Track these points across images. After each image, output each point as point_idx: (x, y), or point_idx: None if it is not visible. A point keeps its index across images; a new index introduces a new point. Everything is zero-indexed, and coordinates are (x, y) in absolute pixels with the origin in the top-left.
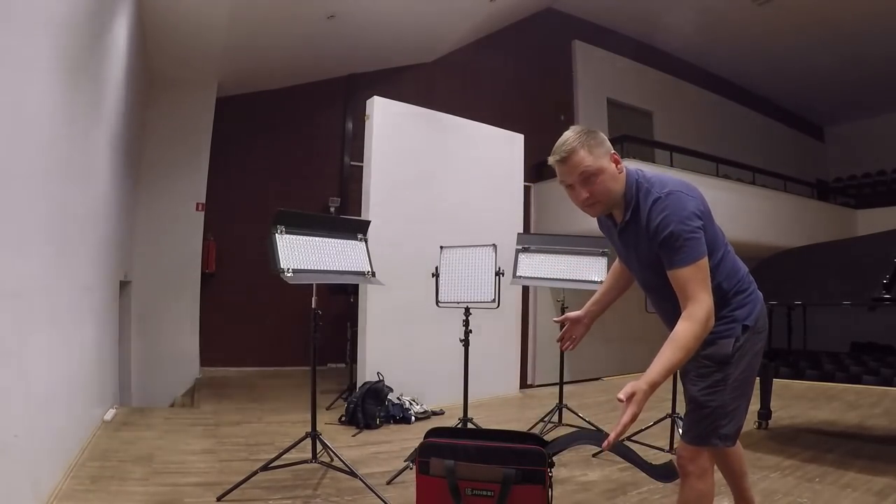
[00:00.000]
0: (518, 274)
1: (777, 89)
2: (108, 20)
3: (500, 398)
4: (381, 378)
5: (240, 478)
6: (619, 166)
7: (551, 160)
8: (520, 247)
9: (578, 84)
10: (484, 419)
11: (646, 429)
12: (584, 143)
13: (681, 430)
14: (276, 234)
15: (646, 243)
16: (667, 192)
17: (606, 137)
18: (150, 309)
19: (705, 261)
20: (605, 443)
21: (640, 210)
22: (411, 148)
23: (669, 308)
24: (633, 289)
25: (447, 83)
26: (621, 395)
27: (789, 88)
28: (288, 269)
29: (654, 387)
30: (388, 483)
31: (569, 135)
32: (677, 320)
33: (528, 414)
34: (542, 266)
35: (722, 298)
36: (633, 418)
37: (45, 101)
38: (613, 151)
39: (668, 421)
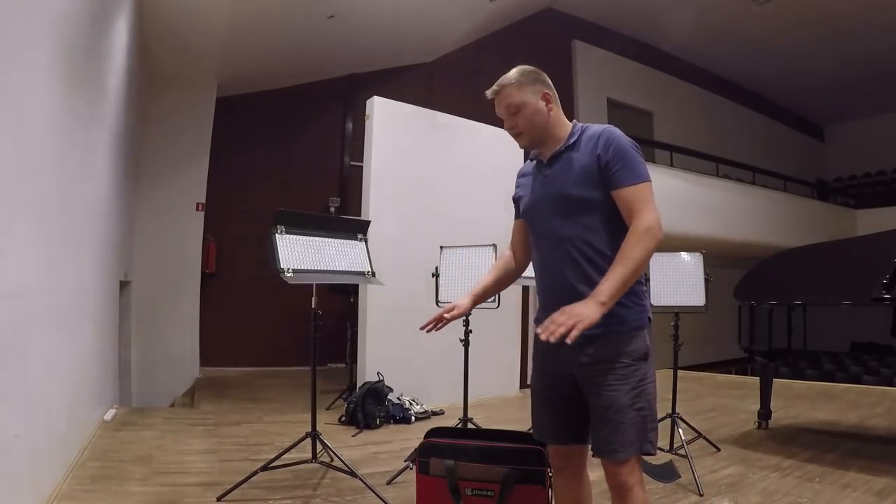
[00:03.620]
0: None
1: (777, 89)
2: (108, 20)
3: (500, 398)
4: (381, 378)
5: (240, 478)
6: (549, 105)
7: (489, 94)
8: None
9: (578, 84)
10: (484, 419)
11: None
12: (515, 81)
13: (595, 449)
14: (276, 235)
15: (581, 165)
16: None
17: (548, 80)
18: (150, 309)
19: (652, 186)
20: (544, 332)
21: (582, 139)
22: (411, 148)
23: (567, 265)
24: None
25: (447, 83)
26: (557, 316)
27: (789, 88)
28: (288, 269)
29: (603, 307)
30: (388, 483)
31: (508, 73)
32: (571, 282)
33: (528, 414)
34: None
35: None
36: (577, 321)
37: (46, 101)
38: (547, 91)
39: (668, 421)
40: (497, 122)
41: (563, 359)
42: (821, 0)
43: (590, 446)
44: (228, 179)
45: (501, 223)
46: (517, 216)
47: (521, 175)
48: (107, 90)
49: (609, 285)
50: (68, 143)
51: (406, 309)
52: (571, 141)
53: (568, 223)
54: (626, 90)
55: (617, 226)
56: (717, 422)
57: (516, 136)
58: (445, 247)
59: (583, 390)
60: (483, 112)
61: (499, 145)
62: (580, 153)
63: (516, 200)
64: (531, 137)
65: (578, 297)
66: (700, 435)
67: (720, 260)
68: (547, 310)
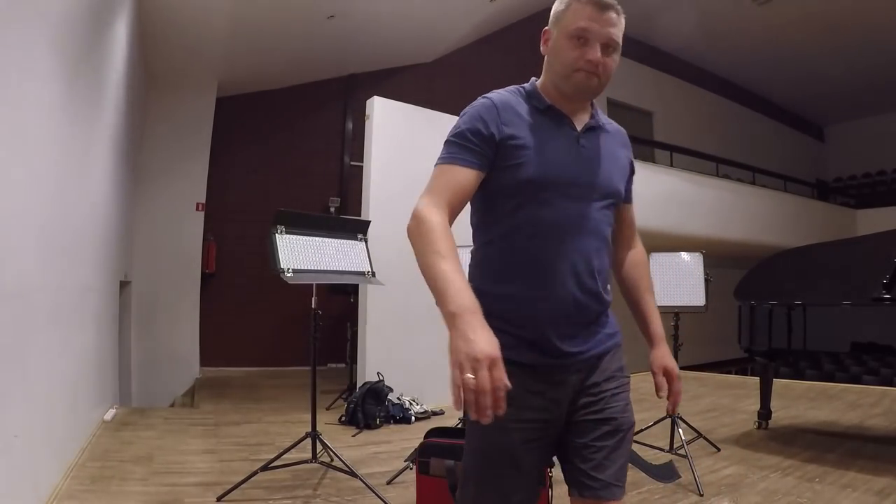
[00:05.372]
0: None
1: (777, 89)
2: (108, 20)
3: None
4: (381, 378)
5: (240, 478)
6: None
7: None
8: None
9: None
10: None
11: (646, 429)
12: (622, 14)
13: (599, 489)
14: (276, 235)
15: (621, 158)
16: None
17: None
18: (150, 309)
19: None
20: (671, 410)
21: (607, 125)
22: (411, 148)
23: (595, 264)
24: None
25: (447, 83)
26: (662, 381)
27: (789, 88)
28: (288, 269)
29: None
30: (388, 483)
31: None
32: (593, 286)
33: None
34: None
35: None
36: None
37: (46, 101)
38: None
39: (668, 421)
40: None
41: (565, 389)
42: (820, 0)
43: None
44: (228, 179)
45: None
46: (468, 163)
47: (507, 108)
48: (106, 90)
49: (661, 325)
50: (68, 144)
51: (406, 309)
52: (600, 120)
53: (604, 218)
54: (626, 90)
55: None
56: (717, 422)
57: (590, 74)
58: None
59: (584, 420)
60: None
61: None
62: (614, 143)
63: (489, 141)
64: (599, 89)
65: (600, 305)
66: (700, 435)
67: (720, 260)
68: (541, 319)
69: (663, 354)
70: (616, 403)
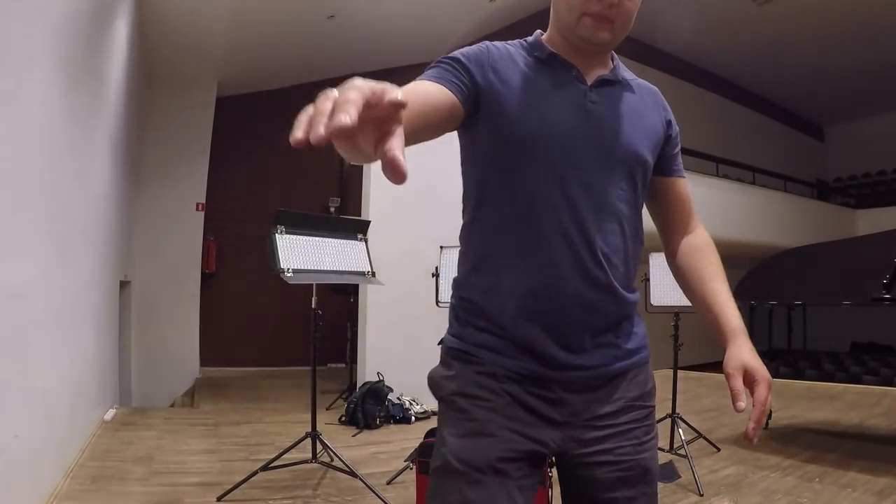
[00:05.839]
0: None
1: (777, 89)
2: (108, 20)
3: None
4: (381, 378)
5: (240, 478)
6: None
7: None
8: None
9: None
10: None
11: None
12: None
13: None
14: (276, 235)
15: (650, 122)
16: None
17: None
18: (150, 309)
19: None
20: (752, 433)
21: (634, 83)
22: (411, 147)
23: (598, 226)
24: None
25: None
26: (739, 386)
27: (789, 88)
28: (288, 269)
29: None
30: (388, 483)
31: None
32: (609, 277)
33: None
34: None
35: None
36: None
37: (45, 101)
38: None
39: (668, 421)
40: None
41: (564, 410)
42: (820, 0)
43: None
44: (228, 179)
45: None
46: (433, 78)
47: (500, 51)
48: (107, 90)
49: (738, 317)
50: (68, 143)
51: (406, 309)
52: (622, 75)
53: (619, 192)
54: None
55: (640, 222)
56: (717, 422)
57: (600, 22)
58: (445, 247)
59: (587, 462)
60: None
61: None
62: (642, 103)
63: (466, 70)
64: (614, 37)
65: (619, 306)
66: (700, 435)
67: (720, 260)
68: (534, 319)
69: (741, 349)
70: (627, 443)
